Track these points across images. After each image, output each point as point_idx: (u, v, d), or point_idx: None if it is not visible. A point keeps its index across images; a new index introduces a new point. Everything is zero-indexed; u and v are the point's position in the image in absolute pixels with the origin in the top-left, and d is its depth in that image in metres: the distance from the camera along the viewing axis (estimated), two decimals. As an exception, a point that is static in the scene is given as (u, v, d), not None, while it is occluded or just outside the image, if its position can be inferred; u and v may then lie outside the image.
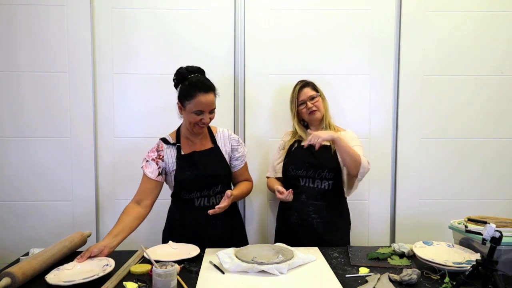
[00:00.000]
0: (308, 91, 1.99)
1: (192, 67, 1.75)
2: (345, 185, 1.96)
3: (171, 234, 1.83)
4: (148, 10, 2.24)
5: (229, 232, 1.86)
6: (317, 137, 1.71)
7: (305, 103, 1.98)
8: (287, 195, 1.81)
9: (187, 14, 2.25)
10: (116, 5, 2.23)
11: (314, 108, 1.97)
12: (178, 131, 1.85)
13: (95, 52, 2.24)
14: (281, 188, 1.84)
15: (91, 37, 2.22)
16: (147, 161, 1.77)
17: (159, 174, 1.76)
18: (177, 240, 1.74)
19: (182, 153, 1.79)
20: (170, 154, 1.79)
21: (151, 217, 2.21)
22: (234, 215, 1.92)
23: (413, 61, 2.29)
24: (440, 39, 2.29)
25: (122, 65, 2.25)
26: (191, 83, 1.69)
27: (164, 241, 1.84)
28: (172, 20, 2.25)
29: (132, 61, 2.25)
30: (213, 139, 1.86)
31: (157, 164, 1.76)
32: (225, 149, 1.86)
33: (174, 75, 1.76)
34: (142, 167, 1.77)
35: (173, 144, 1.80)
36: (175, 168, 1.77)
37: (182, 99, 1.71)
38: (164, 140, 1.82)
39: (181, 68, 1.75)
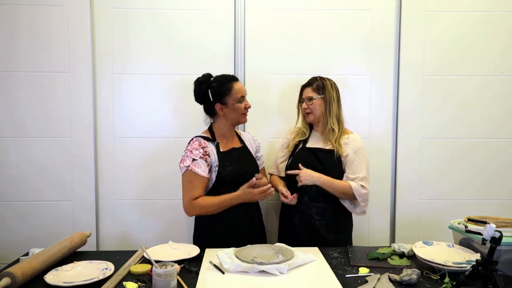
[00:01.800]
0: (307, 92, 1.97)
1: (204, 74, 1.85)
2: (350, 206, 1.94)
3: (209, 235, 1.82)
4: (148, 10, 2.24)
5: (263, 227, 1.99)
6: (304, 178, 1.81)
7: (304, 102, 1.98)
8: (291, 199, 1.84)
9: (187, 14, 2.24)
10: (116, 5, 2.22)
11: (308, 111, 1.96)
12: (211, 130, 1.87)
13: (95, 52, 2.23)
14: (285, 192, 1.87)
15: (91, 37, 2.21)
16: (193, 159, 1.74)
17: (209, 171, 1.79)
18: (214, 240, 1.74)
19: (221, 149, 1.82)
20: (212, 150, 1.81)
21: (155, 217, 2.25)
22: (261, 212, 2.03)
23: (413, 61, 2.29)
24: (440, 39, 2.29)
25: (122, 65, 2.25)
26: (221, 81, 1.82)
27: (198, 244, 1.75)
28: (172, 20, 2.24)
29: (132, 61, 2.25)
30: (241, 139, 1.95)
31: (206, 161, 1.76)
32: (251, 149, 1.96)
33: (196, 86, 1.83)
34: (188, 166, 1.73)
35: (213, 141, 1.83)
36: (217, 163, 1.79)
37: (221, 98, 1.80)
38: (202, 137, 1.83)
39: (198, 78, 1.84)
